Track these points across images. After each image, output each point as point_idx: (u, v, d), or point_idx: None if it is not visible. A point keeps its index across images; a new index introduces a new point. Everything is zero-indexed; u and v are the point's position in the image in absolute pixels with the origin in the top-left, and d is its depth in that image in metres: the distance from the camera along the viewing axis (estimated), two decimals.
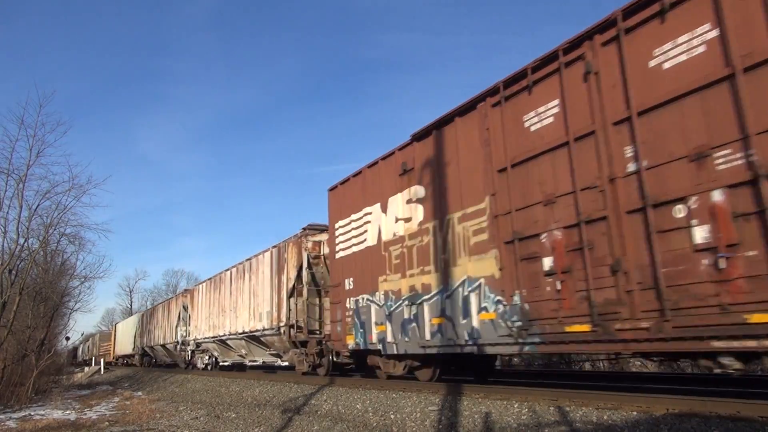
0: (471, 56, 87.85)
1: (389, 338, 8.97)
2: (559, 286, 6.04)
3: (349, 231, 10.45)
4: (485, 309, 7.09)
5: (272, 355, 15.64)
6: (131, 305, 71.21)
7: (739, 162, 4.57)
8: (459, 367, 9.57)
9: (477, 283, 7.25)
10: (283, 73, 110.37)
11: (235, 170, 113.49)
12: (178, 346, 23.79)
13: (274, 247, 14.62)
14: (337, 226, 10.99)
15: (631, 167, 5.42)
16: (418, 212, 8.59)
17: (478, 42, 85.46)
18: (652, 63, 5.34)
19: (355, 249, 10.25)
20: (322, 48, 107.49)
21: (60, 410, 12.11)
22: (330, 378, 11.32)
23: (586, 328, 5.67)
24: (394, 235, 9.13)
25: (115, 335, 43.32)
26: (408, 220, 8.82)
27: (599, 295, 5.60)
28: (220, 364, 20.29)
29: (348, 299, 10.33)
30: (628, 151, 5.47)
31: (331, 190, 11.40)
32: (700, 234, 4.78)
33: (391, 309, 8.99)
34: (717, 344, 4.60)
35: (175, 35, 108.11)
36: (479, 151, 7.47)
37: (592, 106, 5.87)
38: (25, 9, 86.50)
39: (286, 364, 14.93)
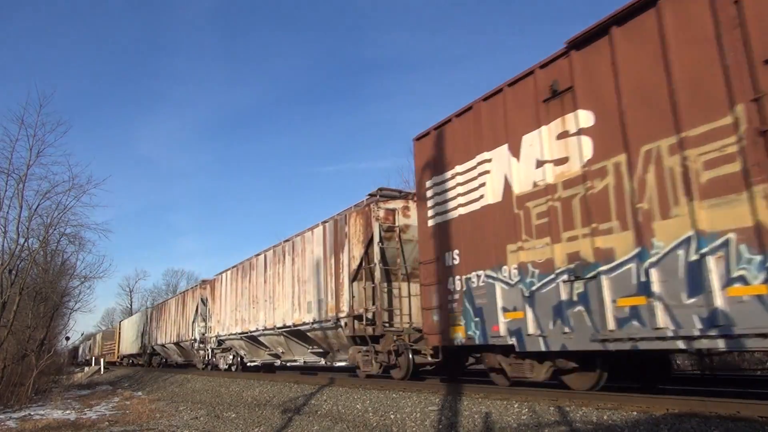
0: (471, 56, 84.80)
1: (531, 329, 6.40)
2: None
3: (453, 188, 7.86)
4: (741, 280, 4.52)
5: (315, 353, 13.05)
6: (131, 305, 71.86)
7: None
8: (633, 369, 6.91)
9: (720, 241, 4.68)
10: (283, 73, 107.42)
11: (235, 170, 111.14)
12: (196, 344, 21.15)
13: (324, 222, 12.02)
14: (430, 184, 8.39)
15: None
16: (582, 148, 6.01)
17: (478, 42, 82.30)
18: None
19: (462, 211, 7.67)
20: (323, 47, 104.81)
21: (60, 410, 11.98)
22: (330, 378, 10.45)
23: None
24: (535, 185, 6.56)
25: (120, 333, 40.65)
26: (562, 161, 6.24)
27: None
28: (248, 364, 17.65)
29: (451, 278, 7.74)
30: None
31: (418, 139, 8.81)
32: None
33: (534, 288, 6.42)
34: None
35: (175, 35, 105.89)
36: (711, 43, 4.91)
37: None
38: (25, 9, 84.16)
39: (342, 364, 12.36)
